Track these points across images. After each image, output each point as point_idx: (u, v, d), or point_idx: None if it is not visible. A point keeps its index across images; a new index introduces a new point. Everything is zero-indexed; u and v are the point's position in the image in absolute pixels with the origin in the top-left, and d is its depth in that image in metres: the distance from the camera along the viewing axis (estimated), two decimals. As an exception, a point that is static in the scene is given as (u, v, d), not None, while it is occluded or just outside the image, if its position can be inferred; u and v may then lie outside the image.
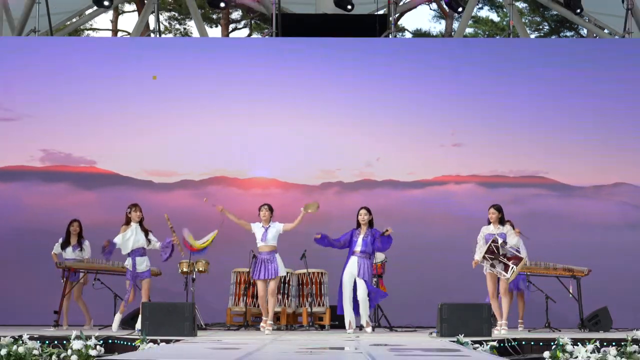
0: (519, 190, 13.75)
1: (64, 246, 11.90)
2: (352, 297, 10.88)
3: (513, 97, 13.88)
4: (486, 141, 13.85)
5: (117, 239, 10.71)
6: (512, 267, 10.75)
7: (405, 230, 12.52)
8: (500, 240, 10.85)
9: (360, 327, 10.99)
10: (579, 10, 15.20)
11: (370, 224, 11.03)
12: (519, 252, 11.02)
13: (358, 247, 10.91)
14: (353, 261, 10.93)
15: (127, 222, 10.82)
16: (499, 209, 11.09)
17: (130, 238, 10.69)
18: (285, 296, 11.88)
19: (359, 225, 11.09)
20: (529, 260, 11.92)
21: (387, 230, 10.88)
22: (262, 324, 10.81)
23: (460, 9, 15.35)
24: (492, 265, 10.84)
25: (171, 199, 13.47)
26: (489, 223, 11.14)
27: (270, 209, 10.76)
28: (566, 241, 13.32)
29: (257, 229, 10.70)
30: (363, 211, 11.07)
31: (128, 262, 10.78)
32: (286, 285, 11.93)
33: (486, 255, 10.82)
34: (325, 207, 12.47)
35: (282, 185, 13.63)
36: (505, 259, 10.83)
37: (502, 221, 11.06)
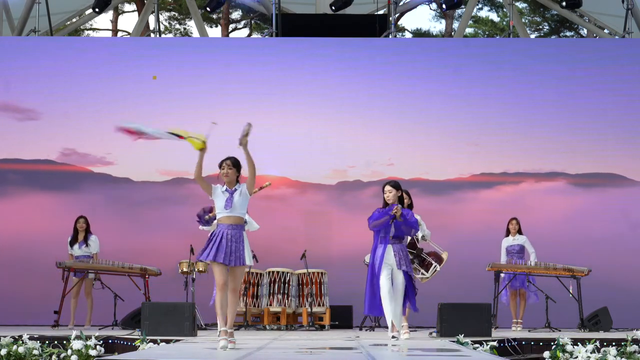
0: (514, 187, 13.77)
1: (72, 243, 11.95)
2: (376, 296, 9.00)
3: (513, 97, 13.87)
4: (486, 141, 13.84)
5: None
6: (435, 266, 9.45)
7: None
8: (420, 234, 9.44)
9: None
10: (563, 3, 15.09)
11: (401, 202, 9.04)
12: (439, 247, 9.64)
13: (391, 232, 8.96)
14: (388, 250, 8.95)
15: None
16: (408, 193, 9.48)
17: None
18: (285, 296, 11.88)
19: (386, 204, 9.07)
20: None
21: (395, 212, 8.81)
22: (222, 335, 7.58)
23: (445, 9, 15.28)
24: (411, 261, 9.38)
25: (166, 198, 13.46)
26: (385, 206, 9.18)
27: (236, 165, 7.72)
28: (566, 241, 13.34)
29: (217, 193, 7.72)
30: (388, 187, 9.02)
31: None
32: (286, 285, 11.93)
33: (407, 249, 9.28)
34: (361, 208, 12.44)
35: (294, 184, 13.54)
36: (426, 255, 9.56)
37: (410, 207, 9.53)
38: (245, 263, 7.59)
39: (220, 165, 7.73)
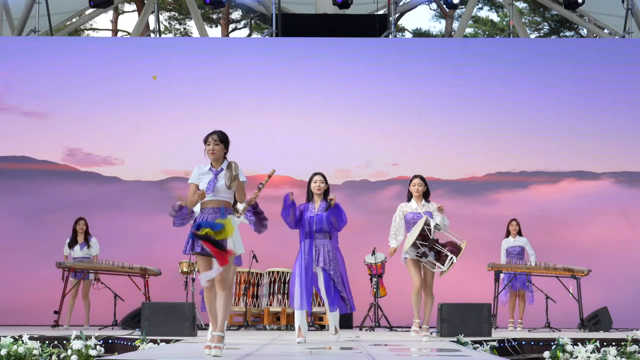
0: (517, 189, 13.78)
1: (71, 245, 11.95)
2: (307, 291, 8.35)
3: (513, 97, 13.88)
4: (486, 141, 13.84)
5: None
6: (452, 258, 8.66)
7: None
8: (433, 223, 8.80)
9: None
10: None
11: (326, 194, 8.57)
12: (456, 236, 8.95)
13: (313, 225, 8.48)
14: (308, 245, 8.49)
15: None
16: (423, 179, 9.18)
17: None
18: (285, 296, 11.88)
19: (311, 196, 8.61)
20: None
21: (332, 199, 8.40)
22: (209, 341, 6.59)
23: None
24: (424, 255, 8.80)
25: (166, 198, 13.44)
26: (410, 199, 9.22)
27: (223, 140, 6.65)
28: (565, 241, 13.35)
29: (201, 174, 6.67)
30: (318, 177, 8.62)
31: None
32: (286, 285, 11.92)
33: (418, 241, 8.73)
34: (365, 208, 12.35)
35: (298, 184, 13.54)
36: (440, 247, 8.80)
37: (426, 196, 9.23)
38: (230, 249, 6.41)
39: (206, 141, 6.65)
